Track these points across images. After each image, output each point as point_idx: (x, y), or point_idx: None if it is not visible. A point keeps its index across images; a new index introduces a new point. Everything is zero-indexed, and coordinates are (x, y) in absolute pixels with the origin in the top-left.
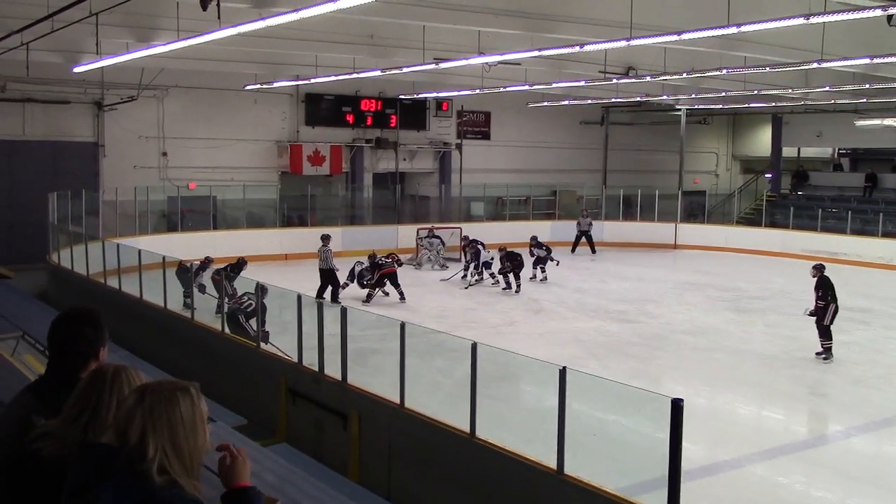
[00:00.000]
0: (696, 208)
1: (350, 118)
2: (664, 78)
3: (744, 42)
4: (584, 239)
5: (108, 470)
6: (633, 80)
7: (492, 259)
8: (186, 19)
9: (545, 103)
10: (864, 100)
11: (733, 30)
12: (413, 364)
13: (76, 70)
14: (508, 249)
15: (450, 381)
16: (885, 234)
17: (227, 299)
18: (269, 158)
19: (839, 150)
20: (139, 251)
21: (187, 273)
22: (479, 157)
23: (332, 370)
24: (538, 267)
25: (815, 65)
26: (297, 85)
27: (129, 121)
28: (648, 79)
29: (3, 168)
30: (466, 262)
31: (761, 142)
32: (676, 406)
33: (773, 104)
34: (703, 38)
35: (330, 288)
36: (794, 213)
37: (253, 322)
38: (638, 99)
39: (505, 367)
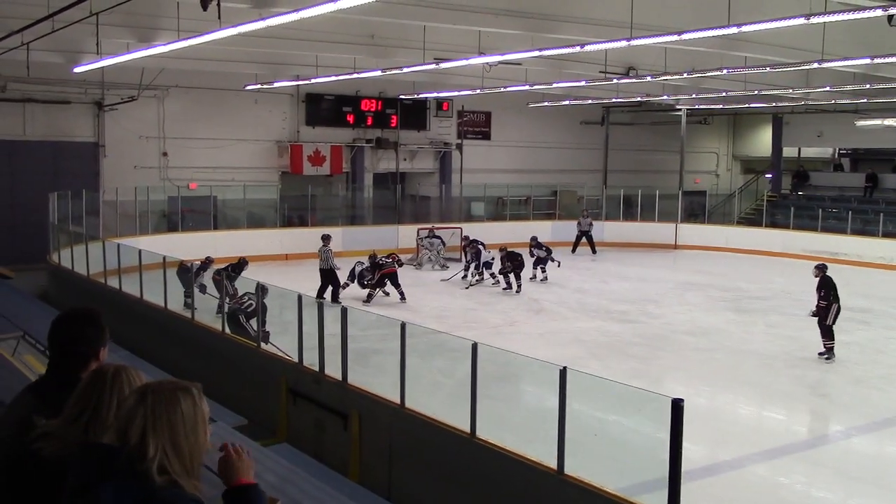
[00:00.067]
0: (697, 208)
1: (350, 118)
2: (665, 78)
3: (744, 42)
4: (584, 239)
5: (109, 470)
6: (634, 80)
7: (492, 259)
8: (187, 19)
9: (546, 103)
10: (865, 100)
11: (734, 30)
12: (413, 364)
13: (77, 70)
14: (509, 249)
15: (450, 382)
16: (886, 235)
17: (227, 299)
18: (270, 158)
19: (840, 150)
20: (139, 251)
21: (188, 273)
22: (480, 157)
23: (333, 370)
24: (538, 267)
25: (815, 65)
26: (298, 85)
27: (129, 121)
28: (649, 79)
29: (4, 168)
30: (467, 262)
31: (762, 142)
32: (677, 406)
33: (774, 104)
34: (703, 38)
35: (330, 288)
36: (794, 213)
37: (253, 322)
38: (638, 99)
39: (505, 367)
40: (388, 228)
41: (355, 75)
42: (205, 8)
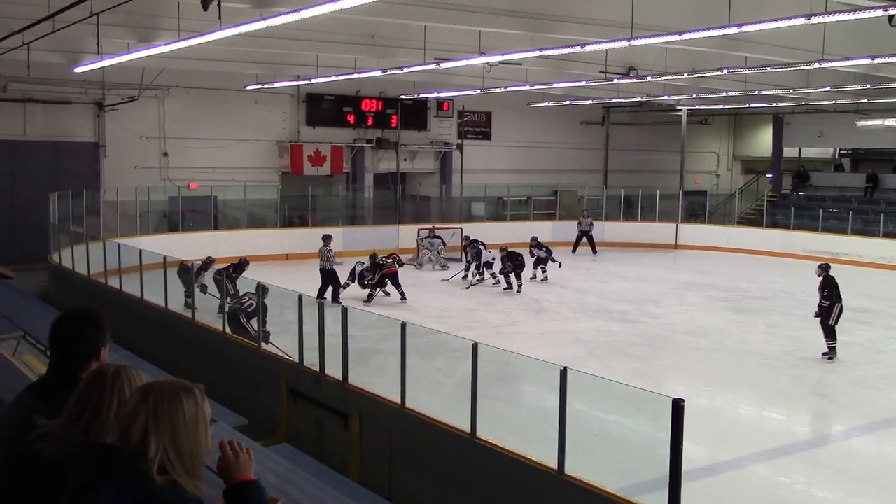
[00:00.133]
0: (697, 208)
1: (351, 118)
2: (665, 78)
3: (745, 42)
4: (585, 239)
5: (110, 470)
6: (634, 81)
7: (493, 259)
8: (187, 19)
9: (546, 103)
10: (866, 100)
11: (734, 30)
12: (414, 364)
13: (77, 70)
14: (510, 250)
15: (451, 382)
16: (886, 235)
17: (228, 299)
18: (270, 158)
19: (840, 150)
20: (140, 251)
21: (189, 273)
22: (480, 158)
23: (333, 370)
24: (538, 267)
25: (816, 65)
26: (298, 85)
27: (129, 121)
28: (649, 79)
29: (5, 168)
30: (467, 262)
31: (762, 142)
32: (677, 406)
33: (774, 104)
34: (704, 38)
35: (330, 288)
36: (794, 213)
37: (254, 322)
38: (639, 99)
39: (506, 367)
40: (388, 228)
41: (356, 75)
42: (205, 8)
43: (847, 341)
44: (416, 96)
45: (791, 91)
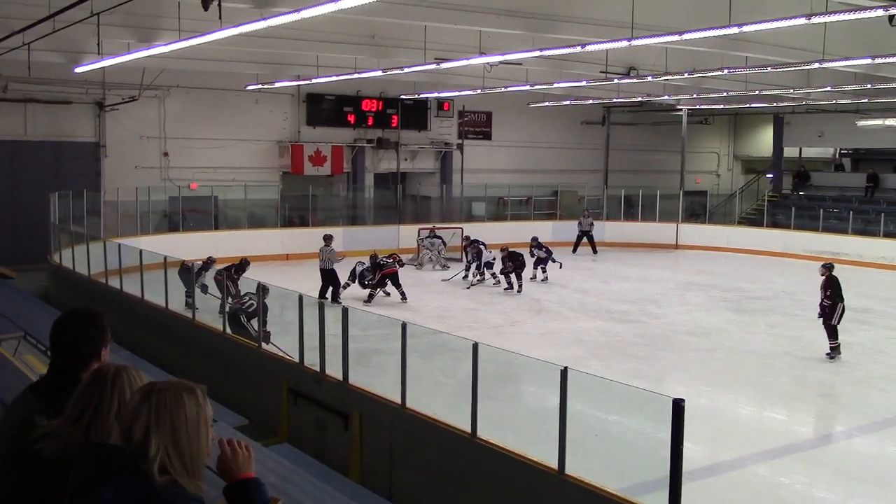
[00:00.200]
0: (698, 208)
1: (351, 118)
2: (665, 78)
3: (745, 42)
4: (585, 239)
5: (110, 470)
6: (635, 81)
7: (493, 259)
8: (188, 19)
9: (546, 103)
10: (866, 100)
11: (734, 30)
12: (414, 364)
13: (78, 70)
14: (510, 250)
15: (451, 382)
16: (887, 235)
17: (229, 299)
18: (271, 158)
19: (841, 150)
20: (140, 251)
21: (189, 273)
22: (481, 158)
23: (334, 370)
24: (539, 267)
25: (816, 65)
26: (299, 85)
27: (130, 121)
28: (650, 79)
29: (5, 168)
30: (468, 262)
31: (763, 142)
32: (678, 406)
33: (775, 104)
34: (704, 38)
35: (331, 288)
36: (795, 213)
37: (254, 322)
38: (639, 99)
39: (506, 367)
40: (388, 228)
41: (356, 75)
42: (206, 8)
43: (848, 341)
44: (416, 96)
45: (791, 91)
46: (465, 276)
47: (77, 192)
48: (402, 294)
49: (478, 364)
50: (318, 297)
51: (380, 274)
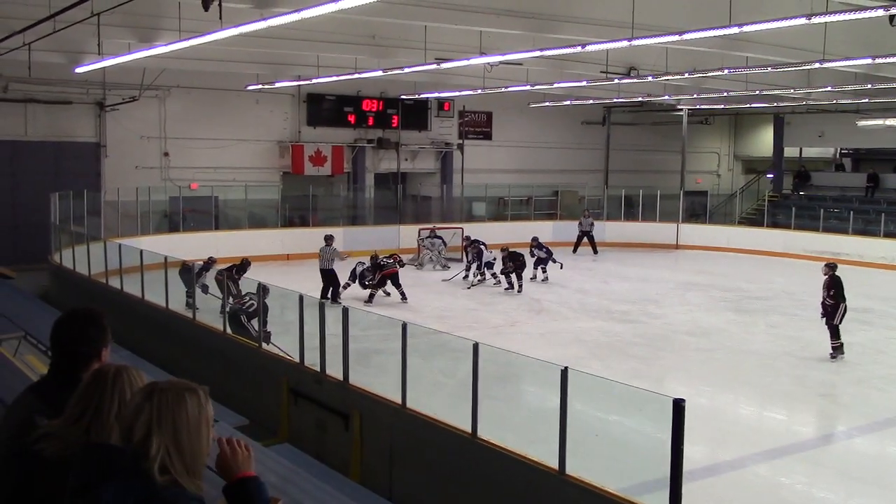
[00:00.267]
0: (698, 208)
1: (352, 118)
2: (666, 78)
3: (745, 42)
4: (585, 239)
5: (110, 470)
6: (635, 81)
7: (493, 259)
8: (188, 19)
9: (547, 103)
10: (866, 100)
11: (735, 30)
12: (415, 364)
13: (78, 70)
14: (511, 250)
15: (451, 382)
16: (887, 235)
17: (230, 299)
18: (271, 159)
19: (841, 150)
20: (141, 251)
21: (190, 273)
22: (481, 158)
23: (334, 370)
24: (539, 267)
25: (816, 65)
26: (299, 85)
27: (130, 121)
28: (650, 79)
29: (6, 168)
30: (468, 262)
31: (763, 142)
32: (678, 406)
33: (775, 104)
34: (704, 38)
35: (331, 288)
36: (795, 213)
37: (255, 322)
38: (639, 99)
39: (507, 367)
40: (389, 229)
41: (356, 75)
42: (206, 8)
43: (848, 341)
44: (416, 96)
45: (792, 91)
46: (466, 276)
47: (77, 193)
48: (402, 294)
49: (478, 364)
50: (320, 297)
51: (380, 275)
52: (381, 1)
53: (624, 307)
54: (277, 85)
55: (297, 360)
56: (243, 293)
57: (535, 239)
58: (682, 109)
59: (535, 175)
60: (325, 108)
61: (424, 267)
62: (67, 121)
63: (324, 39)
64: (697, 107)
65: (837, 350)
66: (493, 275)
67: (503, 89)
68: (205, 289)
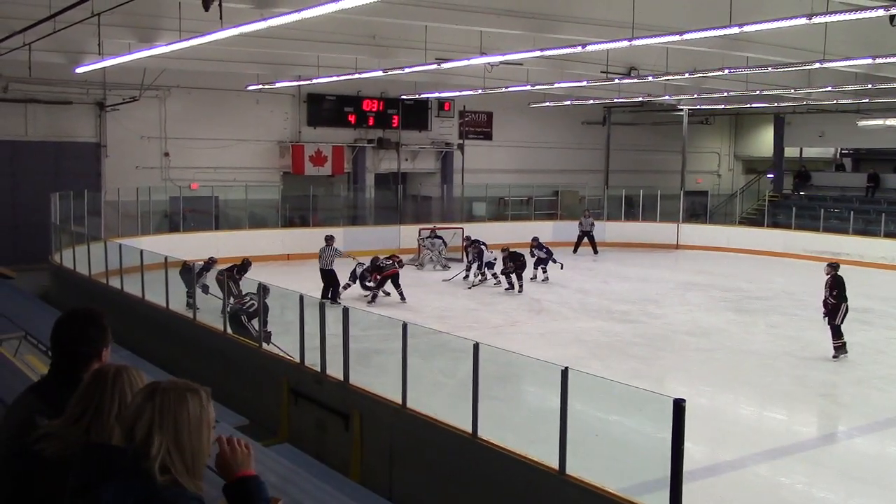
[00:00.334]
0: (699, 208)
1: (352, 118)
2: (666, 78)
3: (746, 42)
4: (586, 239)
5: (110, 470)
6: (635, 81)
7: (494, 259)
8: (188, 20)
9: (547, 103)
10: (867, 100)
11: (735, 30)
12: (415, 364)
13: (78, 70)
14: (511, 250)
15: (452, 382)
16: (888, 235)
17: (231, 299)
18: (271, 159)
19: (841, 150)
20: (141, 251)
21: (191, 273)
22: (481, 158)
23: (335, 370)
24: (539, 267)
25: (817, 65)
26: (299, 85)
27: (131, 121)
28: (650, 79)
29: (6, 168)
30: (468, 262)
31: (763, 142)
32: (678, 406)
33: (776, 104)
34: (705, 38)
35: (331, 288)
36: (796, 213)
37: (255, 322)
38: (640, 99)
39: (507, 367)
40: (389, 229)
41: (357, 75)
42: (206, 8)
43: (848, 341)
44: (417, 96)
45: (792, 91)
46: (466, 277)
47: (78, 193)
48: (401, 294)
49: (478, 364)
50: (321, 297)
51: (381, 276)
52: (381, 1)
53: (624, 307)
54: (278, 85)
55: (297, 360)
56: (244, 293)
57: (535, 239)
58: (682, 109)
59: (535, 175)
60: (325, 108)
61: (425, 267)
62: (68, 121)
63: (324, 39)
64: (698, 107)
65: (840, 350)
66: (494, 275)
67: (503, 89)
68: (205, 289)
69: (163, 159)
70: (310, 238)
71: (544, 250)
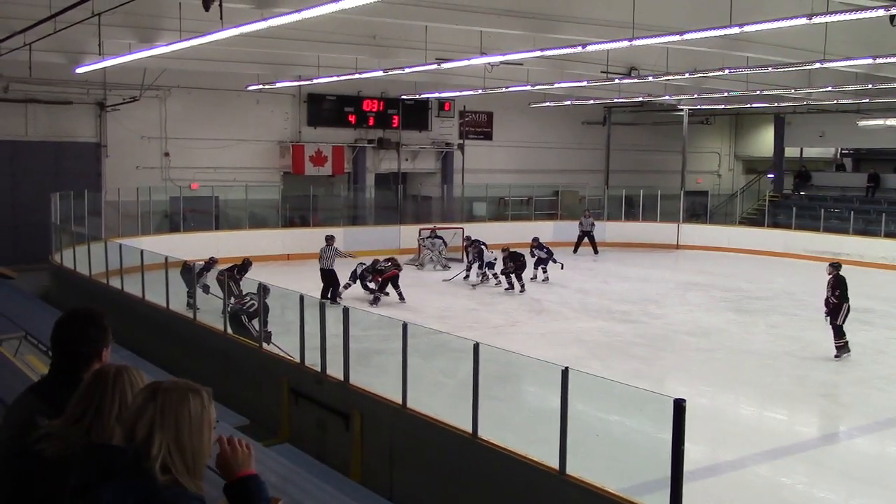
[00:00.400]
0: (699, 208)
1: (352, 118)
2: (666, 78)
3: (746, 42)
4: (586, 239)
5: (111, 470)
6: (636, 81)
7: (494, 259)
8: (188, 20)
9: (547, 103)
10: (867, 100)
11: (735, 30)
12: (415, 364)
13: (79, 70)
14: (511, 250)
15: (452, 382)
16: (888, 235)
17: (231, 299)
18: (272, 159)
19: (842, 150)
20: (141, 251)
21: (191, 273)
22: (482, 158)
23: (335, 370)
24: (539, 267)
25: (817, 65)
26: (300, 85)
27: (131, 121)
28: (651, 79)
29: (6, 168)
30: (469, 262)
31: (764, 142)
32: (679, 406)
33: (776, 104)
34: (705, 38)
35: (331, 289)
36: (796, 213)
37: (255, 322)
38: (640, 99)
39: (507, 367)
40: (389, 229)
41: (357, 75)
42: (207, 8)
43: (849, 341)
44: (417, 96)
45: (792, 91)
46: (466, 277)
47: (78, 193)
48: (401, 295)
49: (479, 364)
50: (321, 297)
51: (381, 278)
52: (381, 1)
53: (624, 307)
54: (278, 85)
55: (297, 360)
56: (244, 293)
57: (535, 239)
58: (682, 109)
59: (535, 175)
60: (325, 109)
61: (425, 267)
62: (68, 121)
63: (324, 39)
64: (698, 107)
65: (842, 349)
66: (494, 275)
67: (504, 89)
68: (206, 289)
69: (163, 159)
70: (310, 238)
71: (545, 250)
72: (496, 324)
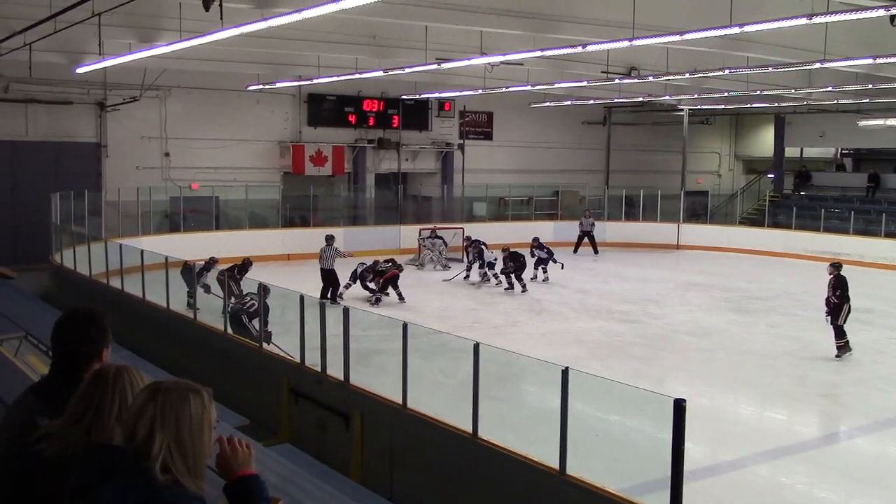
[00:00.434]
0: (699, 208)
1: (352, 118)
2: (666, 78)
3: (746, 42)
4: (586, 239)
5: (111, 470)
6: (636, 81)
7: (494, 259)
8: (189, 20)
9: (547, 103)
10: (867, 100)
11: (736, 30)
12: (415, 364)
13: (79, 71)
14: (511, 250)
15: (452, 382)
16: (888, 235)
17: (231, 299)
18: (272, 159)
19: (842, 150)
20: (142, 251)
21: (191, 273)
22: (482, 158)
23: (335, 370)
24: (539, 267)
25: (817, 65)
26: (300, 85)
27: (131, 121)
28: (651, 79)
29: (6, 168)
30: (469, 262)
31: (764, 142)
32: (679, 406)
33: (776, 104)
34: (705, 38)
35: (331, 289)
36: (796, 213)
37: (256, 322)
38: (640, 99)
39: (507, 367)
40: (389, 229)
41: (357, 75)
42: (207, 8)
43: (849, 341)
44: (417, 96)
45: (793, 91)
46: (466, 277)
47: (78, 193)
48: (400, 295)
49: (479, 364)
50: (320, 297)
51: (382, 279)
52: (381, 1)
53: (624, 307)
54: (278, 85)
55: (297, 360)
56: (244, 293)
57: (535, 239)
58: (682, 109)
59: (535, 175)
60: (325, 109)
61: (425, 267)
62: (68, 121)
63: (324, 39)
64: (698, 107)
65: (843, 349)
66: (495, 275)
67: (504, 89)
68: (206, 289)
69: (163, 159)
70: (310, 238)
71: (545, 250)
72: (496, 324)
